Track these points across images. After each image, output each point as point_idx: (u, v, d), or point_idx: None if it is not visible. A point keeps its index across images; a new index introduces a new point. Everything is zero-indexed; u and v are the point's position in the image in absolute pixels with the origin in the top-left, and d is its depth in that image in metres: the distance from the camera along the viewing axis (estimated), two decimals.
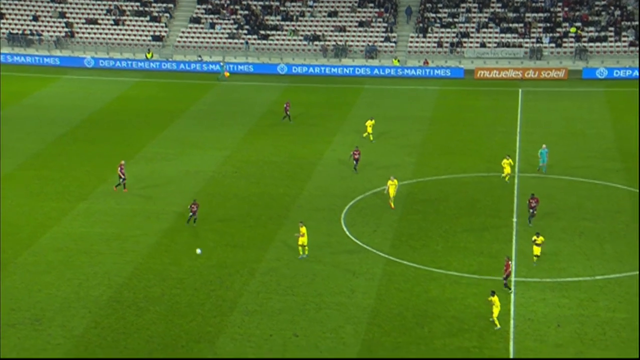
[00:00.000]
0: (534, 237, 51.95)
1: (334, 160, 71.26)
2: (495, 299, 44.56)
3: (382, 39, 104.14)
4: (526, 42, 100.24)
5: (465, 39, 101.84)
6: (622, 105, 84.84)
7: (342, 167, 69.72)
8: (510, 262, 49.12)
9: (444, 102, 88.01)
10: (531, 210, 57.85)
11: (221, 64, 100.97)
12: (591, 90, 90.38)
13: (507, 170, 64.30)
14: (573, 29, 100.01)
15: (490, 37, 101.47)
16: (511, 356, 43.25)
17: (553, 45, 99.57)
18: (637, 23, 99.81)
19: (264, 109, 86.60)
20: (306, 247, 53.25)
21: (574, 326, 45.79)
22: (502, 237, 56.58)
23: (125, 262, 53.54)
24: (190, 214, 58.20)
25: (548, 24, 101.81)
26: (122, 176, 64.39)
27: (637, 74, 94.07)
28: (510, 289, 48.93)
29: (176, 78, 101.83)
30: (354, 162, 67.70)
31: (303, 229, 53.09)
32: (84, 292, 49.60)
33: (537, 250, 51.85)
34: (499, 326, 44.55)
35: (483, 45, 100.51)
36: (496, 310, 44.57)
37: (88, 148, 75.67)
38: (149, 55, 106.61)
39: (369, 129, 74.91)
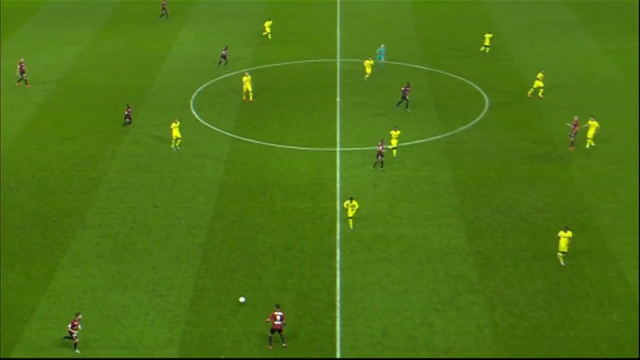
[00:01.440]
0: (392, 131, 51.05)
1: (181, 53, 70.26)
2: (353, 203, 43.40)
3: None
4: None
5: None
6: None
7: (188, 57, 68.91)
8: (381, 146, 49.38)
9: None
10: (404, 100, 57.66)
11: None
12: None
13: (369, 70, 62.85)
14: None
15: None
16: (338, 212, 44.92)
17: None
18: None
19: (114, 7, 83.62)
20: (179, 141, 52.27)
21: (387, 185, 47.98)
22: (328, 115, 57.79)
23: None
24: (127, 119, 55.31)
25: None
26: (23, 72, 61.75)
27: None
28: (374, 168, 49.87)
29: None
30: (222, 59, 65.91)
31: (176, 124, 52.09)
32: None
33: (394, 143, 50.72)
34: (352, 227, 43.58)
35: None
36: (352, 212, 43.44)
37: None
38: None
39: (267, 29, 72.97)
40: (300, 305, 37.77)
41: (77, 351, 34.79)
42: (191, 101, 60.07)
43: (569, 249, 40.13)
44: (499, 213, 44.93)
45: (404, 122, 55.70)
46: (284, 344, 35.00)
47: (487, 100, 59.30)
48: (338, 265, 40.73)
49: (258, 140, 53.82)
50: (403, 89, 57.90)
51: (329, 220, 44.52)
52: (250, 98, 59.45)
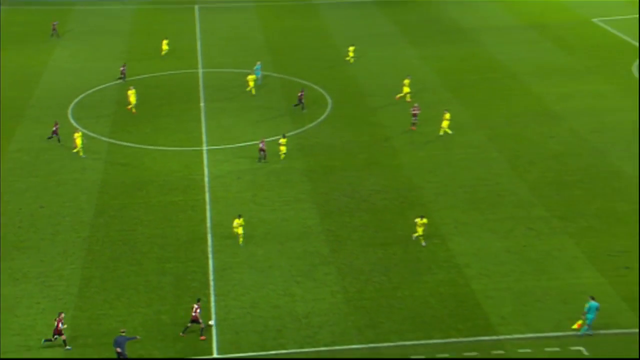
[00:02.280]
0: (281, 140, 50.08)
1: (57, 69, 67.29)
2: (240, 220, 40.49)
3: None
4: None
5: None
6: (268, 14, 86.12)
7: (64, 73, 66.15)
8: (263, 144, 48.87)
9: (139, 18, 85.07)
10: (300, 102, 57.16)
11: None
12: (245, 5, 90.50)
13: (251, 84, 60.83)
14: None
15: None
16: (207, 203, 44.42)
17: None
18: None
19: None
20: (81, 150, 50.02)
21: (249, 177, 47.88)
22: (194, 118, 56.97)
23: None
24: (53, 135, 51.47)
25: None
26: None
27: None
28: (258, 162, 49.21)
29: None
30: (122, 75, 63.42)
31: (79, 134, 50.05)
32: None
33: (283, 149, 49.81)
34: (242, 244, 40.51)
35: None
36: (240, 230, 40.52)
37: None
38: None
39: (165, 47, 70.38)
40: (179, 286, 37.21)
41: (68, 347, 32.91)
42: (69, 111, 57.74)
43: (423, 232, 40.51)
44: (345, 196, 45.70)
45: (263, 123, 55.71)
46: (201, 337, 33.98)
47: (329, 101, 60.03)
48: (210, 249, 40.36)
49: (132, 143, 52.41)
50: (299, 94, 57.76)
51: (199, 210, 43.98)
52: (133, 110, 57.38)
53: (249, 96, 60.49)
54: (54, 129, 52.09)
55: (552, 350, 32.75)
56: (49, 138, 52.06)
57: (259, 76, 63.23)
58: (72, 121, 55.73)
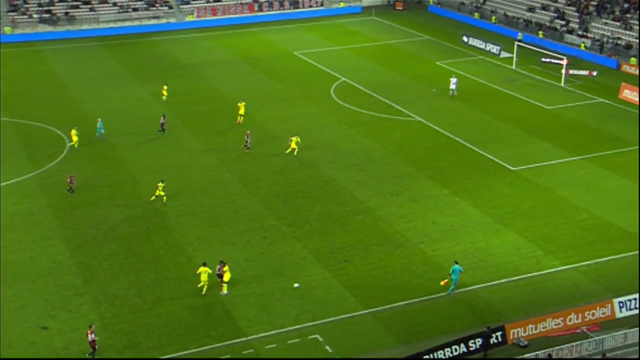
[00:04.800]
0: (159, 183, 45.65)
1: None
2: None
3: None
4: None
5: None
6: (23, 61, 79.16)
7: None
8: None
9: None
10: (162, 128, 56.02)
11: None
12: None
13: (75, 138, 53.87)
14: None
15: None
16: None
17: None
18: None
19: None
20: None
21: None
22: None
23: None
24: None
25: None
26: None
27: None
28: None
29: None
30: None
31: None
32: None
33: (161, 192, 45.19)
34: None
35: None
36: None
37: None
38: None
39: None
40: None
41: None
42: None
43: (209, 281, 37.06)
44: (92, 228, 43.16)
45: (8, 167, 50.87)
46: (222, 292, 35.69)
47: (67, 140, 56.30)
48: None
49: None
50: (162, 121, 56.56)
51: None
52: None
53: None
54: None
55: (294, 341, 33.56)
56: None
57: (102, 132, 56.43)
58: None
